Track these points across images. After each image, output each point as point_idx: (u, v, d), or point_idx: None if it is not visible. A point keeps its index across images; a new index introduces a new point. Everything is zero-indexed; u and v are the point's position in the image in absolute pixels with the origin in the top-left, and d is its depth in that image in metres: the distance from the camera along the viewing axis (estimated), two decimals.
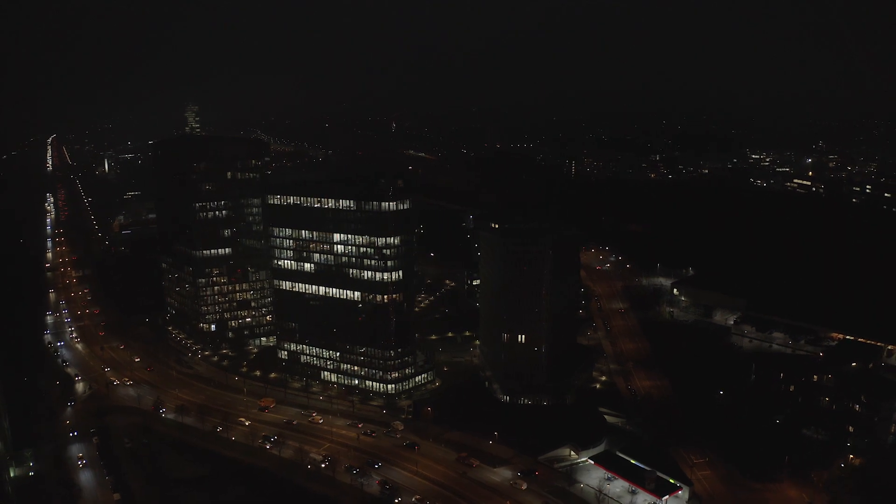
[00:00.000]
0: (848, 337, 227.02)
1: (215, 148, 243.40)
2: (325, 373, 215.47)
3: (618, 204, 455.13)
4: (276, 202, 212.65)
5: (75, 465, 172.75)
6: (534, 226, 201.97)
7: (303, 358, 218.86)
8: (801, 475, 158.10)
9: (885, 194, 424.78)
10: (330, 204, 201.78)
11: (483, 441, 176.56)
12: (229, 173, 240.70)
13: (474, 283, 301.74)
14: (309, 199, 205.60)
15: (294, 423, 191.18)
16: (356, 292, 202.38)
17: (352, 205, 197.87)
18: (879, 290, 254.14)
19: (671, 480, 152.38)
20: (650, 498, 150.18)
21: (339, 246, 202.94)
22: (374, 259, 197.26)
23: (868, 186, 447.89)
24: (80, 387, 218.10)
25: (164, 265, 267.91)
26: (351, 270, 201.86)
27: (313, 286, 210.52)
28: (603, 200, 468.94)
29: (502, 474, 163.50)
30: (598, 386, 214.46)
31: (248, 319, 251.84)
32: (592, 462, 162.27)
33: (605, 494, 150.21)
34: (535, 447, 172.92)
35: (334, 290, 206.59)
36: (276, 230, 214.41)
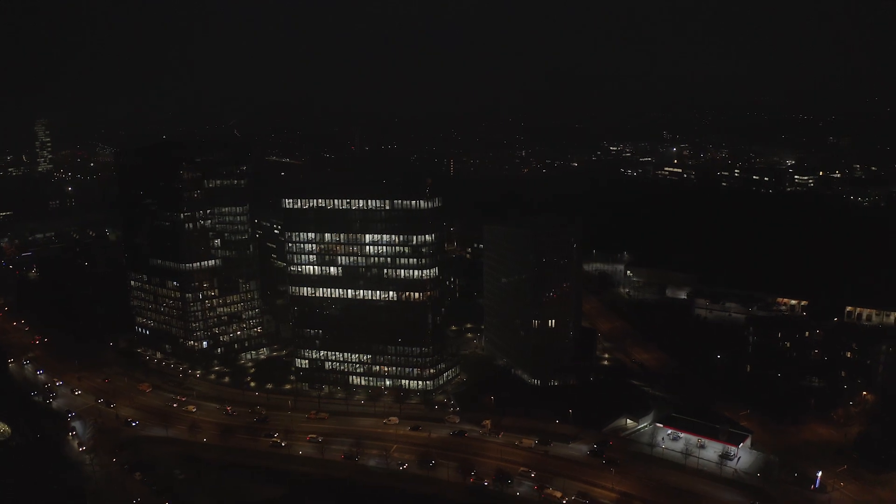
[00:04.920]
0: (793, 301, 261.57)
1: (200, 154, 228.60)
2: (354, 377, 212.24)
3: (520, 199, 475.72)
4: (294, 206, 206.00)
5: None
6: (558, 220, 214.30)
7: (327, 364, 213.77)
8: (821, 416, 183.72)
9: (754, 176, 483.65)
10: (359, 205, 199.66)
11: (547, 423, 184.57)
12: (216, 181, 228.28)
13: None
14: (334, 201, 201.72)
15: (346, 430, 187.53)
16: (390, 292, 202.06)
17: (385, 204, 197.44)
18: (795, 259, 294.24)
19: (736, 431, 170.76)
20: (719, 449, 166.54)
21: (370, 247, 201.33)
22: (411, 258, 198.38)
23: (736, 171, 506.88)
24: (79, 422, 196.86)
25: (133, 282, 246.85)
26: (385, 270, 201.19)
27: (339, 290, 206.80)
28: (504, 196, 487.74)
29: (580, 449, 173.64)
30: (605, 363, 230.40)
31: (239, 333, 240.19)
32: (661, 425, 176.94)
33: (689, 454, 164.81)
34: (594, 421, 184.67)
35: (364, 291, 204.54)
36: (294, 235, 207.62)
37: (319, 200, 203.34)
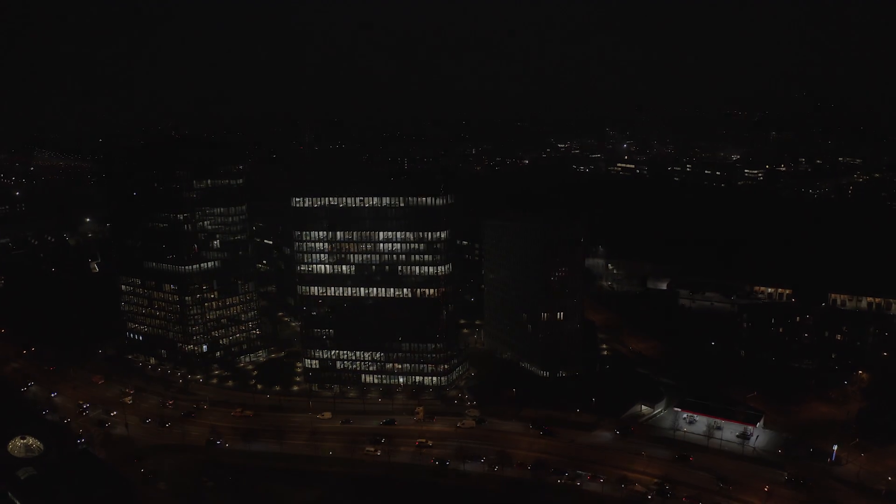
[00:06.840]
0: (769, 289, 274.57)
1: (197, 154, 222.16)
2: (366, 375, 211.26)
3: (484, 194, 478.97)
4: (303, 205, 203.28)
5: None
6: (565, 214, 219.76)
7: (339, 364, 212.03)
8: (820, 395, 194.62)
9: (706, 171, 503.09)
10: (373, 202, 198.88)
11: (568, 412, 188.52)
12: (214, 181, 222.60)
13: None
14: (346, 198, 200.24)
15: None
16: (405, 289, 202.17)
17: (399, 201, 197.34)
18: (767, 248, 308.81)
19: (751, 412, 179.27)
20: (736, 430, 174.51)
21: (384, 244, 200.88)
22: (425, 254, 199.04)
23: (688, 166, 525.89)
24: (84, 433, 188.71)
25: (124, 287, 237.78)
26: (399, 268, 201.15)
27: (352, 288, 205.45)
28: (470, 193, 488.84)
29: (603, 436, 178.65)
30: (605, 353, 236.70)
31: (238, 335, 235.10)
32: (679, 410, 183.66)
33: (711, 435, 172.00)
34: (612, 409, 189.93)
35: (378, 289, 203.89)
36: (304, 234, 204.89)
37: (331, 198, 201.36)
